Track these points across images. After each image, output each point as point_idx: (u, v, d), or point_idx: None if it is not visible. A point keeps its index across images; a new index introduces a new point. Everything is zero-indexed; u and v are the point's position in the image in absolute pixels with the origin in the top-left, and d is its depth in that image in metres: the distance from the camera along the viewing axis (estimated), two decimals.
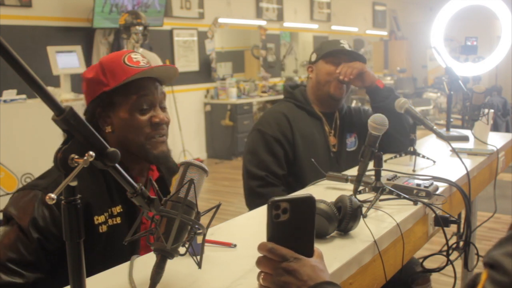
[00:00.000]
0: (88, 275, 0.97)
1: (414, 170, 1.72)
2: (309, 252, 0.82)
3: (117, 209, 1.24)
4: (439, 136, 1.76)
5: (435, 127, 1.71)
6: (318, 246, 1.09)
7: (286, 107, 1.98)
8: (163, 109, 1.32)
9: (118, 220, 1.24)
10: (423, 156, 1.84)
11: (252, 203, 1.84)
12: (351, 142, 2.01)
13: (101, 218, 1.21)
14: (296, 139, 1.89)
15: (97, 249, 1.20)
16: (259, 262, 0.83)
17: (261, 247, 0.82)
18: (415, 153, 1.81)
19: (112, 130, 1.27)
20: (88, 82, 1.29)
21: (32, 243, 1.12)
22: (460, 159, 1.62)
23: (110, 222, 1.22)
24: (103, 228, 1.21)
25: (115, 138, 1.27)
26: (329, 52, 1.91)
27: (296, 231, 0.81)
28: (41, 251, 1.13)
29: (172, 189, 0.87)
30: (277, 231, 0.80)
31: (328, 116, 1.99)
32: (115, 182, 0.82)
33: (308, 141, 1.90)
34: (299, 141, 1.88)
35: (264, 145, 1.88)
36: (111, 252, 1.21)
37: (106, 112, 1.27)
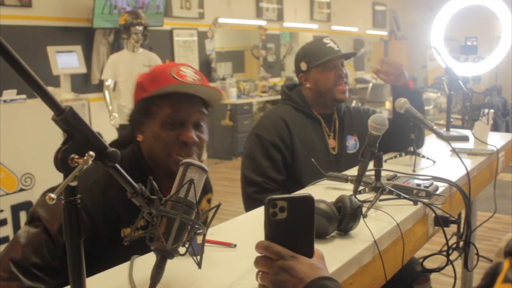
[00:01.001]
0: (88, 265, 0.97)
1: (414, 170, 1.72)
2: (309, 252, 0.81)
3: (141, 222, 1.20)
4: (439, 136, 1.76)
5: (435, 127, 1.71)
6: (318, 246, 1.09)
7: (284, 111, 1.95)
8: (199, 128, 1.25)
9: (140, 232, 1.20)
10: (423, 156, 1.84)
11: (249, 209, 1.83)
12: (352, 144, 1.99)
13: (127, 231, 1.19)
14: (294, 143, 1.87)
15: (119, 258, 1.15)
16: (256, 261, 0.82)
17: (257, 246, 0.82)
18: (415, 153, 1.81)
19: (143, 140, 1.25)
20: (136, 86, 1.28)
21: (58, 249, 1.10)
22: (460, 159, 1.62)
23: (133, 235, 1.20)
24: (125, 236, 1.19)
25: (145, 148, 1.25)
26: (324, 61, 1.87)
27: (294, 230, 0.80)
28: (65, 258, 1.11)
29: (172, 189, 0.87)
30: (274, 229, 0.80)
31: (326, 118, 1.98)
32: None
33: (307, 145, 1.88)
34: (298, 145, 1.87)
35: (261, 150, 1.86)
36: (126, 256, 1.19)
37: (142, 119, 1.24)
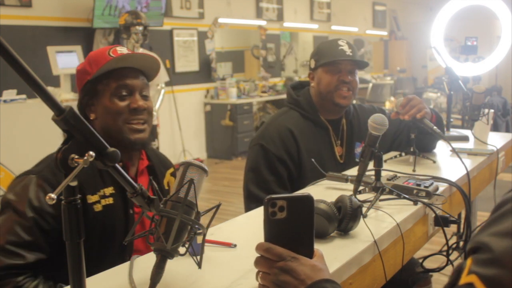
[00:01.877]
0: (88, 264, 0.98)
1: (414, 170, 1.72)
2: (309, 253, 0.81)
3: (110, 189, 1.29)
4: (440, 136, 1.76)
5: (435, 127, 1.70)
6: (318, 246, 1.10)
7: (291, 119, 1.86)
8: (145, 97, 1.36)
9: (111, 200, 1.29)
10: (423, 156, 1.84)
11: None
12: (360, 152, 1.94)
13: (94, 198, 1.26)
14: (302, 157, 1.79)
15: (96, 231, 1.24)
16: (257, 262, 0.82)
17: (258, 247, 0.82)
18: (415, 153, 1.81)
19: (96, 117, 1.33)
20: (77, 73, 1.36)
21: (28, 222, 1.16)
22: (460, 159, 1.61)
23: (103, 202, 1.27)
24: (98, 207, 1.26)
25: (98, 125, 1.33)
26: (329, 61, 1.80)
27: (294, 230, 0.80)
28: (38, 230, 1.17)
29: (172, 188, 0.87)
30: (274, 229, 0.80)
31: (334, 124, 1.90)
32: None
33: (314, 157, 1.78)
34: (305, 159, 1.78)
35: (267, 163, 1.77)
36: (109, 235, 1.27)
37: (91, 100, 1.33)
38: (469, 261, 0.57)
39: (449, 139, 2.31)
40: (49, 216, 1.18)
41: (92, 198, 1.26)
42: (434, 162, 1.85)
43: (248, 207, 1.78)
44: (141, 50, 4.62)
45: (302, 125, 1.85)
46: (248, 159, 1.86)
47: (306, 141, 1.82)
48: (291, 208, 0.79)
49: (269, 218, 0.79)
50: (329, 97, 1.83)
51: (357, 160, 1.88)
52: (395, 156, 1.88)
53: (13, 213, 1.17)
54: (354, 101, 2.01)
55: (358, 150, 1.92)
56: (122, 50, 1.33)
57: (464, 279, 0.56)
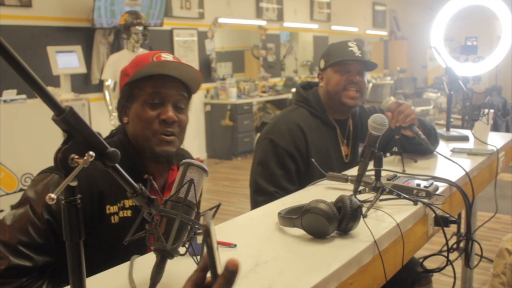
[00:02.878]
0: (99, 269, 0.98)
1: (404, 170, 1.71)
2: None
3: (130, 202, 1.25)
4: (425, 143, 1.75)
5: (420, 133, 1.71)
6: (318, 246, 1.10)
7: (300, 116, 1.88)
8: (179, 109, 1.30)
9: (129, 213, 1.25)
10: (406, 156, 1.82)
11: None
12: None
13: (114, 208, 1.23)
14: (310, 153, 1.81)
15: (109, 241, 1.21)
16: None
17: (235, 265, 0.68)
18: (400, 153, 1.81)
19: (127, 121, 1.30)
20: (120, 74, 1.34)
21: (42, 224, 1.14)
22: (455, 162, 1.61)
23: (122, 214, 1.24)
24: (115, 219, 1.23)
25: (129, 130, 1.30)
26: (338, 61, 1.83)
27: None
28: (51, 233, 1.14)
29: (172, 189, 0.87)
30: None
31: (341, 124, 1.92)
32: (128, 175, 0.83)
33: (322, 155, 1.83)
34: (313, 154, 1.80)
35: (275, 157, 1.79)
36: (120, 247, 1.19)
37: (128, 103, 1.30)
38: None
39: (449, 139, 2.32)
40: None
41: (111, 209, 1.22)
42: (416, 161, 1.86)
43: (255, 201, 1.79)
44: (140, 50, 4.62)
45: (311, 122, 1.87)
46: (256, 153, 1.87)
47: (314, 138, 1.85)
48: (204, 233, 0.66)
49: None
50: (337, 97, 1.86)
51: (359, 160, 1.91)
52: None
53: (30, 211, 1.15)
54: None
55: (360, 150, 1.91)
56: (166, 56, 1.29)
57: None
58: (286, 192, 1.73)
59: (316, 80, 1.98)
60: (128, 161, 1.24)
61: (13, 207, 1.20)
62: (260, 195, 1.78)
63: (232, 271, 0.62)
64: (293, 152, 1.79)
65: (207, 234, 0.63)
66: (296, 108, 1.94)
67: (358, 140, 1.95)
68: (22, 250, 1.11)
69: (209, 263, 0.65)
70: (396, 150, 1.81)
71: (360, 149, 1.94)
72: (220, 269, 0.64)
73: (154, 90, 1.26)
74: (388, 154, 1.94)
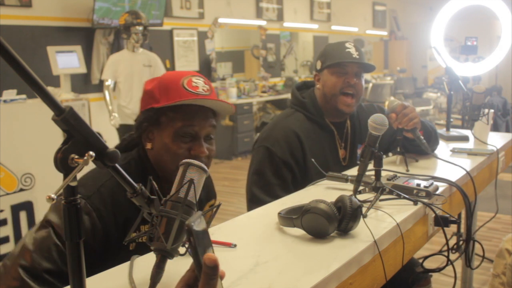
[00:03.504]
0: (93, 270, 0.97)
1: (407, 170, 1.72)
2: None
3: (146, 227, 1.21)
4: (425, 148, 1.76)
5: (421, 138, 1.73)
6: (318, 246, 1.10)
7: (296, 121, 1.84)
8: (209, 140, 1.27)
9: (145, 238, 1.21)
10: (408, 156, 1.82)
11: None
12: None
13: (133, 235, 1.18)
14: (307, 159, 1.78)
15: (122, 262, 1.16)
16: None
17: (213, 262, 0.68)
18: (402, 153, 1.81)
19: (151, 147, 1.25)
20: (144, 93, 1.27)
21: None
22: (455, 164, 1.61)
23: (139, 239, 1.21)
24: (133, 246, 1.20)
25: (152, 156, 1.25)
26: (334, 63, 1.79)
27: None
28: None
29: (172, 189, 0.87)
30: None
31: (339, 127, 1.89)
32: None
33: (319, 160, 1.78)
34: (310, 161, 1.76)
35: (271, 167, 1.76)
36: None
37: (151, 128, 1.24)
38: None
39: (449, 139, 2.32)
40: (89, 248, 1.09)
41: (133, 235, 1.15)
42: (417, 161, 1.86)
43: (251, 209, 1.74)
44: (141, 50, 4.63)
45: (308, 128, 1.84)
46: (252, 161, 1.83)
47: (312, 144, 1.81)
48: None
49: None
50: (333, 100, 1.82)
51: (358, 162, 1.89)
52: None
53: (54, 235, 1.10)
54: None
55: (359, 151, 1.92)
56: (198, 82, 1.22)
57: None
58: None
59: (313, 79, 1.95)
60: (145, 178, 1.17)
61: (33, 229, 1.15)
62: (255, 204, 1.74)
63: (211, 267, 0.62)
64: (289, 160, 1.76)
65: (189, 233, 0.62)
66: (292, 112, 1.90)
67: (357, 142, 1.93)
68: (47, 278, 1.06)
69: (194, 261, 0.64)
70: (399, 150, 1.81)
71: (358, 151, 1.92)
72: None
73: (186, 123, 1.20)
74: (390, 154, 1.93)
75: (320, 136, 1.85)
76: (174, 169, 1.18)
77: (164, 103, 1.20)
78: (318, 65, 1.87)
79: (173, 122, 1.21)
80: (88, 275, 0.84)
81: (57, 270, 1.08)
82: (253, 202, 1.76)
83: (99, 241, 1.14)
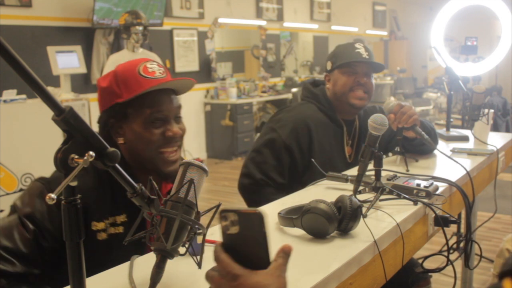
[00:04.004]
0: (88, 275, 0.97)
1: (407, 170, 1.72)
2: (263, 265, 0.74)
3: (121, 218, 1.21)
4: (428, 142, 1.76)
5: (424, 134, 1.72)
6: (318, 246, 1.10)
7: (309, 110, 1.88)
8: (178, 120, 1.28)
9: (121, 229, 1.21)
10: (408, 156, 1.82)
11: (241, 192, 1.87)
12: None
13: (100, 225, 1.19)
14: (313, 150, 1.81)
15: (96, 256, 1.14)
16: (207, 275, 0.76)
17: (214, 252, 0.75)
18: (402, 153, 1.81)
19: (124, 142, 1.24)
20: (102, 91, 1.26)
21: (29, 234, 1.12)
22: (456, 160, 1.61)
23: (111, 230, 1.20)
24: (102, 236, 1.19)
25: (127, 150, 1.25)
26: (345, 63, 1.83)
27: (246, 245, 0.74)
28: (36, 245, 1.12)
29: (172, 188, 0.87)
30: (229, 243, 0.75)
31: (348, 124, 1.93)
32: (123, 190, 0.82)
33: (325, 153, 1.82)
34: (316, 152, 1.80)
35: (273, 147, 1.80)
36: (112, 261, 1.14)
37: (119, 123, 1.24)
38: (508, 284, 0.55)
39: (449, 139, 2.32)
40: (48, 234, 1.13)
41: (97, 225, 1.18)
42: (417, 161, 1.87)
43: (241, 183, 1.85)
44: (141, 51, 4.62)
45: (319, 118, 1.88)
46: (258, 137, 1.91)
47: (320, 135, 1.84)
48: (241, 223, 0.74)
49: (224, 232, 0.75)
50: (344, 98, 1.86)
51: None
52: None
53: (17, 220, 1.14)
54: None
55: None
56: (152, 67, 1.23)
57: None
58: (273, 182, 1.78)
59: (322, 78, 1.99)
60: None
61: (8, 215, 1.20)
62: (246, 178, 1.82)
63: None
64: (292, 145, 1.80)
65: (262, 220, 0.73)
66: (305, 103, 1.94)
67: (362, 141, 1.95)
68: (5, 255, 1.09)
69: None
70: (399, 150, 1.81)
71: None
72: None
73: (154, 110, 1.21)
74: (390, 154, 1.94)
75: (329, 129, 1.88)
76: (152, 156, 1.22)
77: (128, 96, 1.20)
78: (329, 65, 1.91)
79: (141, 111, 1.21)
80: (88, 275, 0.84)
81: (15, 248, 1.11)
82: (245, 176, 1.83)
83: (58, 228, 1.13)
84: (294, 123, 1.83)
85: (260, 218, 0.72)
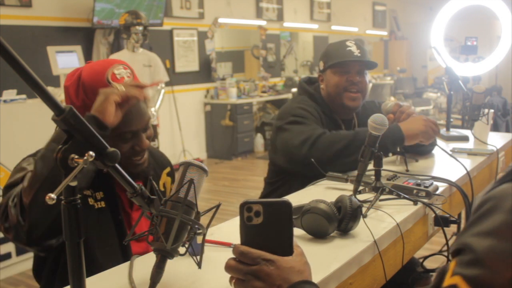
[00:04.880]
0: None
1: (407, 170, 1.72)
2: (287, 252, 0.78)
3: (100, 194, 1.26)
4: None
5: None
6: (318, 246, 1.10)
7: (308, 101, 1.86)
8: (147, 131, 1.27)
9: (103, 204, 1.26)
10: (408, 156, 1.82)
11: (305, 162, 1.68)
12: None
13: (88, 192, 1.23)
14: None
15: (91, 223, 1.22)
16: (229, 266, 0.78)
17: (233, 250, 0.78)
18: (402, 153, 1.81)
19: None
20: (78, 109, 1.24)
21: None
22: (456, 159, 1.61)
23: (97, 205, 1.24)
24: (91, 201, 1.23)
25: None
26: (336, 63, 1.81)
27: (271, 235, 0.77)
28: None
29: (172, 188, 0.87)
30: (250, 234, 0.77)
31: (347, 123, 1.92)
32: (100, 171, 0.82)
33: None
34: None
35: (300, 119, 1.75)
36: (103, 237, 1.23)
37: None
38: (452, 263, 0.57)
39: (449, 139, 2.32)
40: None
41: (87, 192, 1.23)
42: (417, 161, 1.87)
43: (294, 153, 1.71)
44: (141, 51, 4.62)
45: (319, 111, 1.85)
46: (275, 140, 1.82)
47: (324, 125, 1.82)
48: (268, 213, 0.76)
49: (245, 223, 0.76)
50: (338, 99, 1.85)
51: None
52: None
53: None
54: None
55: None
56: (120, 72, 1.19)
57: (448, 280, 0.56)
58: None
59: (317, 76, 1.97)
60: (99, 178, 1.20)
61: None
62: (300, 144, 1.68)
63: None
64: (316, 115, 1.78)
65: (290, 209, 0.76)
66: (304, 96, 1.91)
67: None
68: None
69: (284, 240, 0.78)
70: (398, 149, 1.81)
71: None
72: None
73: (124, 125, 1.17)
74: (390, 154, 1.93)
75: (328, 123, 1.86)
76: (121, 163, 1.20)
77: None
78: (321, 65, 1.90)
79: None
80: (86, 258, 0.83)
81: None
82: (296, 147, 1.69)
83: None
84: (310, 107, 1.80)
85: (288, 207, 0.75)
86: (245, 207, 0.76)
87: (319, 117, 1.81)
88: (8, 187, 1.15)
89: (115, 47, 5.41)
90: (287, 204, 0.76)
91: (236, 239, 1.14)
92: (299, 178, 1.81)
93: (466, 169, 1.68)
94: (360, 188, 1.39)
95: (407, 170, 1.71)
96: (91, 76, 1.19)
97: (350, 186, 1.44)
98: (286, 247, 0.78)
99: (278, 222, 0.76)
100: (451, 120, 2.50)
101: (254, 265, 0.75)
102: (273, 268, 0.75)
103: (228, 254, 1.09)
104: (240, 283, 0.77)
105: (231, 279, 0.79)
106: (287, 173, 1.85)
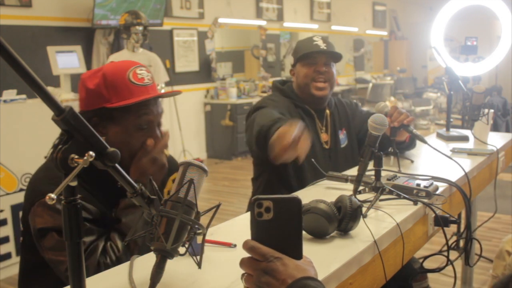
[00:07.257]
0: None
1: (399, 170, 1.71)
2: (297, 254, 0.79)
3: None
4: (417, 137, 1.76)
5: (415, 131, 1.74)
6: (318, 246, 1.10)
7: (280, 98, 1.96)
8: (160, 125, 1.31)
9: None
10: (402, 157, 1.82)
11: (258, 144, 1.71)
12: (342, 139, 2.01)
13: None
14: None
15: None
16: (242, 262, 0.80)
17: (243, 245, 0.80)
18: (396, 153, 1.81)
19: (105, 140, 1.24)
20: (88, 92, 1.25)
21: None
22: (454, 160, 1.61)
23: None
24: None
25: None
26: (303, 54, 1.92)
27: (281, 232, 0.78)
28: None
29: (172, 188, 0.87)
30: (260, 230, 0.78)
31: (319, 113, 2.00)
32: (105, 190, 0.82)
33: None
34: None
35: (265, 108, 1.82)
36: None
37: (103, 123, 1.24)
38: None
39: (449, 139, 2.32)
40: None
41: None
42: (412, 161, 1.87)
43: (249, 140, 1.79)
44: (141, 51, 4.63)
45: (290, 106, 1.94)
46: (246, 130, 1.87)
47: (295, 118, 1.87)
48: (277, 209, 0.77)
49: (256, 219, 0.78)
50: (307, 89, 1.94)
51: (342, 145, 1.99)
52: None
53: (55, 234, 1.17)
54: (354, 101, 2.07)
55: (341, 135, 2.02)
56: (142, 72, 1.25)
57: None
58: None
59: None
60: (107, 182, 1.16)
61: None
62: (251, 128, 1.73)
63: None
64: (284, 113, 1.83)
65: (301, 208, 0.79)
66: (272, 94, 2.03)
67: (337, 128, 2.02)
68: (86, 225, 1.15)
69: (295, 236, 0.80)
70: (391, 150, 1.82)
71: (340, 136, 2.01)
72: None
73: (140, 115, 1.23)
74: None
75: (302, 116, 1.94)
76: (128, 159, 1.24)
77: (117, 101, 1.21)
78: (292, 60, 2.01)
79: (127, 115, 1.23)
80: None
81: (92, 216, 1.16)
82: (251, 128, 1.75)
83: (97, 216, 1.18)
84: (278, 101, 1.91)
85: (298, 203, 0.77)
86: (256, 203, 0.77)
87: (286, 107, 1.91)
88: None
89: (115, 47, 5.41)
90: (297, 200, 0.78)
91: (236, 239, 1.14)
92: (299, 178, 1.82)
93: (463, 170, 1.67)
94: (360, 188, 1.39)
95: (399, 170, 1.71)
96: (113, 69, 1.25)
97: (350, 186, 1.44)
98: (295, 248, 0.79)
99: (288, 218, 0.78)
100: (451, 120, 2.50)
101: (263, 261, 0.78)
102: (280, 263, 0.77)
103: (228, 254, 1.09)
104: (249, 278, 0.79)
105: (242, 275, 0.82)
106: (264, 164, 1.88)
